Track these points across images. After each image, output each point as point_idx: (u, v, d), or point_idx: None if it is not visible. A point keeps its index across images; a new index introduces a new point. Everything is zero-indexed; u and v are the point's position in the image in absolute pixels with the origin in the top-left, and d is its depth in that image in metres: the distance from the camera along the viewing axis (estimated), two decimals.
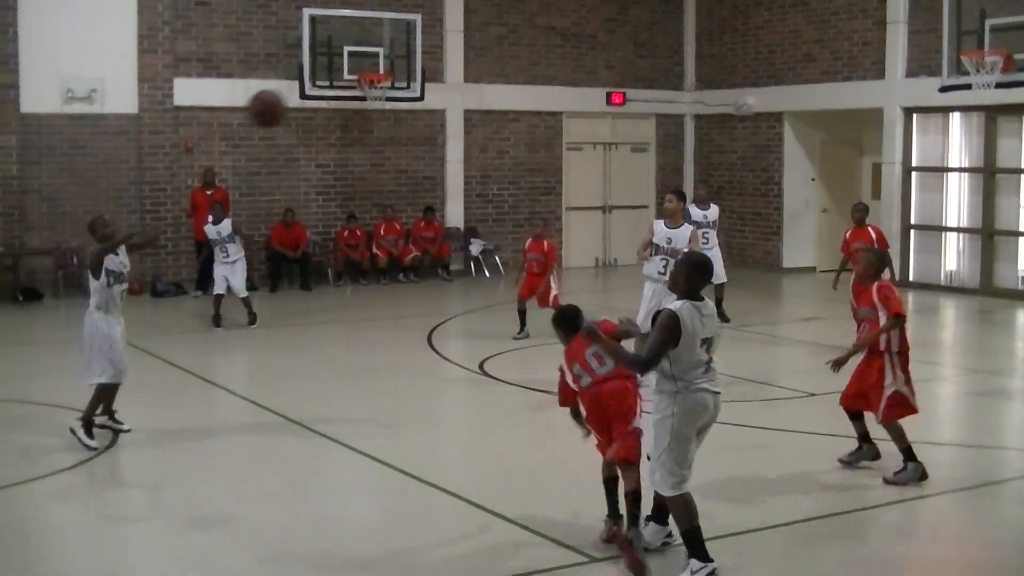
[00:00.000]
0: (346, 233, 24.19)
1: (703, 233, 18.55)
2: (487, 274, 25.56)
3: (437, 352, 16.70)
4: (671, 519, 8.43)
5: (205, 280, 22.08)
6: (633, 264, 25.19)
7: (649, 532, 8.67)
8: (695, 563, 8.05)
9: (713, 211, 19.13)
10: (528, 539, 9.02)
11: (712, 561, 8.04)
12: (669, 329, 7.98)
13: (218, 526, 9.47)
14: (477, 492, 10.16)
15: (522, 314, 17.70)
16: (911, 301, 22.50)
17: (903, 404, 10.50)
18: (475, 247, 25.69)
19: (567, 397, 8.99)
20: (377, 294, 22.89)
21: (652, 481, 8.23)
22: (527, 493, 10.29)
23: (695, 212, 18.77)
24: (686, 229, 14.36)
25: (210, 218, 19.34)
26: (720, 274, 18.52)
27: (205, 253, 20.04)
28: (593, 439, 8.91)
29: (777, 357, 17.08)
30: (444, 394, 14.68)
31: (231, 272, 18.94)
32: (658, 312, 8.24)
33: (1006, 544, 9.26)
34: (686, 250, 13.38)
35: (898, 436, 10.44)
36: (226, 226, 19.09)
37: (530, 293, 17.65)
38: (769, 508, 9.78)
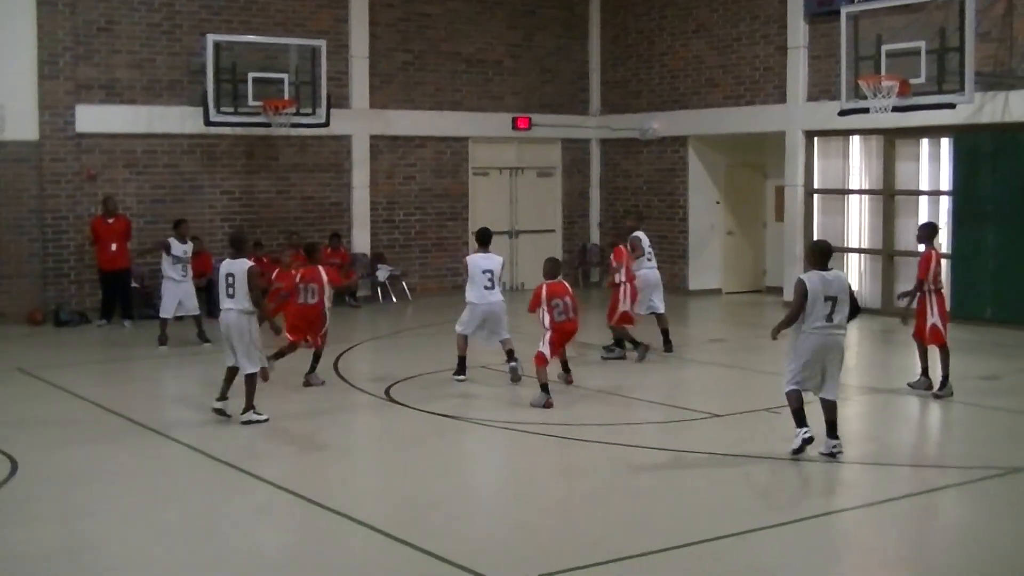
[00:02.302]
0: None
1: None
2: (394, 300, 25.53)
3: (343, 379, 16.63)
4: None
5: (109, 309, 21.85)
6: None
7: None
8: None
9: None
10: (430, 564, 9.02)
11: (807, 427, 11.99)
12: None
13: (119, 564, 9.32)
14: (384, 520, 10.14)
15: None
16: None
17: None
18: (382, 273, 25.65)
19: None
20: (282, 323, 22.69)
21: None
22: (433, 520, 10.28)
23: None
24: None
25: (174, 239, 19.85)
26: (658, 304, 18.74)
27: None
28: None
29: (684, 379, 17.20)
30: (351, 421, 14.63)
31: (185, 293, 19.63)
32: None
33: (898, 561, 9.40)
34: None
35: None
36: (191, 246, 19.90)
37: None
38: (670, 529, 9.87)
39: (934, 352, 15.34)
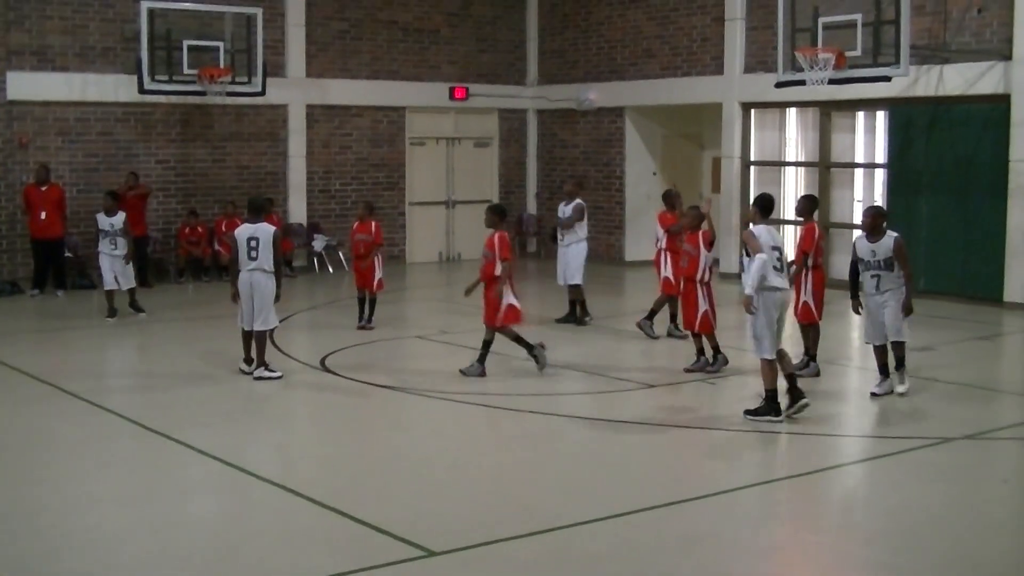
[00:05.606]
0: (187, 230, 23.88)
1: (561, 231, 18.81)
2: (330, 270, 25.44)
3: (279, 348, 16.55)
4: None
5: (42, 278, 21.63)
6: (475, 259, 25.40)
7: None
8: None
9: (569, 208, 18.94)
10: (366, 534, 9.01)
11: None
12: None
13: (53, 530, 9.25)
14: (319, 490, 10.11)
15: (362, 303, 18.35)
16: None
17: None
18: (318, 243, 25.54)
19: None
20: (220, 291, 22.53)
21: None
22: (368, 490, 10.28)
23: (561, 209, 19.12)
24: None
25: (102, 211, 19.35)
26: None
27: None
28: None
29: (618, 350, 17.24)
30: (286, 391, 14.57)
31: (119, 267, 19.06)
32: None
33: (831, 529, 9.48)
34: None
35: None
36: (119, 219, 19.14)
37: (365, 280, 18.26)
38: (604, 498, 9.90)
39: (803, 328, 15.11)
